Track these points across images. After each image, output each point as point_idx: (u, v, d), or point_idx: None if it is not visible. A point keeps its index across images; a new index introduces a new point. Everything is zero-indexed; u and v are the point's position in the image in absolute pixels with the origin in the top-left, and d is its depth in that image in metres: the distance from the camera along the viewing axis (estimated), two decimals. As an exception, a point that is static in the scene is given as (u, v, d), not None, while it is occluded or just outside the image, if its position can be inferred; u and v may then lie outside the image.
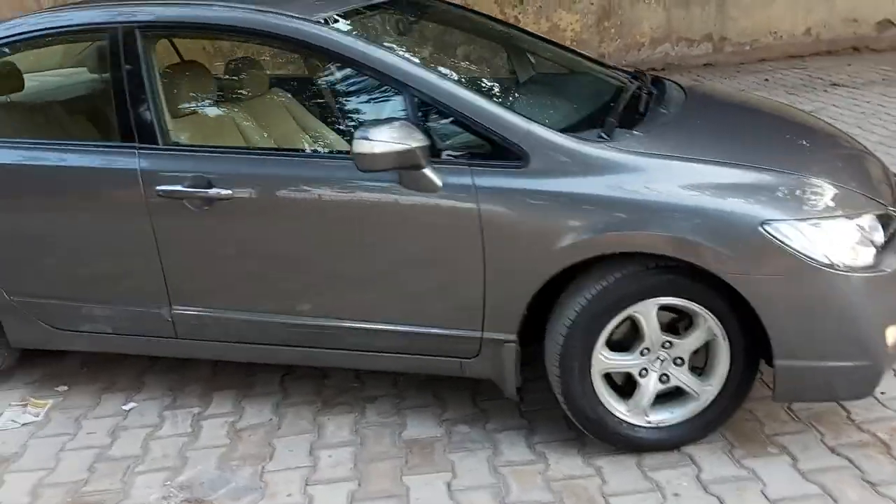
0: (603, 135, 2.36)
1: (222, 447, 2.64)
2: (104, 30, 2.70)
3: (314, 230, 2.49)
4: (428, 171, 2.30)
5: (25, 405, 3.00)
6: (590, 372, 2.33)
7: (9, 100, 3.06)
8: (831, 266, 2.12)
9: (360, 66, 2.45)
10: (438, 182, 2.31)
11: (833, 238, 2.15)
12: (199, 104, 2.89)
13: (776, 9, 9.00)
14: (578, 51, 3.45)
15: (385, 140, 2.21)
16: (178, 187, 2.54)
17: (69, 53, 3.71)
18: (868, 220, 2.22)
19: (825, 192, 2.27)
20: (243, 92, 3.15)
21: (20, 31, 2.84)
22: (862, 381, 2.23)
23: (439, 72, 2.47)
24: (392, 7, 3.02)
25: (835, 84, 7.04)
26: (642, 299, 2.26)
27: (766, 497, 2.20)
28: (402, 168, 2.27)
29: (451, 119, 2.37)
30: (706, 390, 2.36)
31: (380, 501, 2.32)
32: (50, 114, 3.10)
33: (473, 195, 2.29)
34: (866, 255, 2.17)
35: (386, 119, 2.30)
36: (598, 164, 2.26)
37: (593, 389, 2.35)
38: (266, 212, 2.53)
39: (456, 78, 2.45)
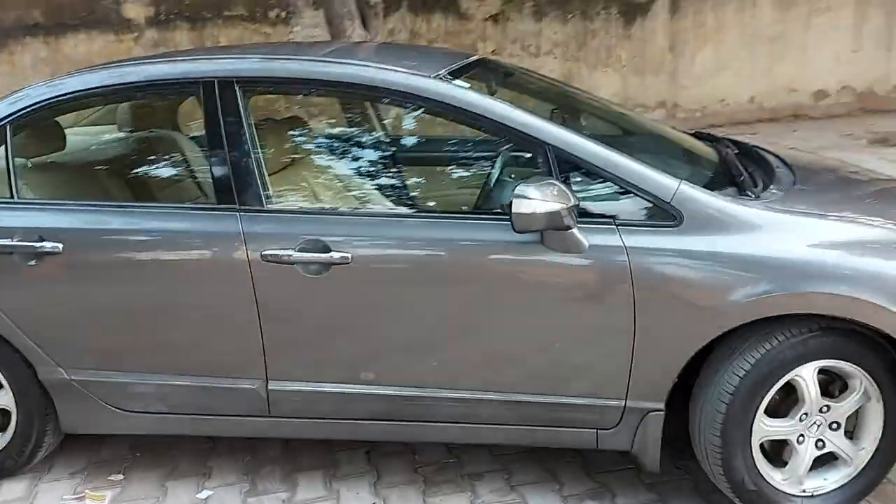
0: (749, 193, 2.31)
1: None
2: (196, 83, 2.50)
3: (448, 296, 2.32)
4: (576, 232, 2.19)
5: (82, 499, 2.65)
6: (751, 441, 2.23)
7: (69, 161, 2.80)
8: None
9: (496, 124, 2.32)
10: (585, 242, 2.20)
11: None
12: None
13: (723, 78, 9.45)
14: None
15: (543, 199, 2.09)
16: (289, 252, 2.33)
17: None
18: None
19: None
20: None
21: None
22: None
23: (579, 131, 2.37)
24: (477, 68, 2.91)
25: (792, 148, 7.38)
26: (805, 362, 2.19)
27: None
28: (556, 228, 2.15)
29: (595, 178, 2.27)
30: (860, 455, 2.30)
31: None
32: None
33: (624, 255, 2.19)
34: None
35: (534, 178, 2.18)
36: (752, 222, 2.20)
37: (753, 459, 2.25)
38: (387, 276, 2.35)
39: (593, 137, 2.36)
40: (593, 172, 2.26)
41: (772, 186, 2.42)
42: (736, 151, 2.84)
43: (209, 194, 2.50)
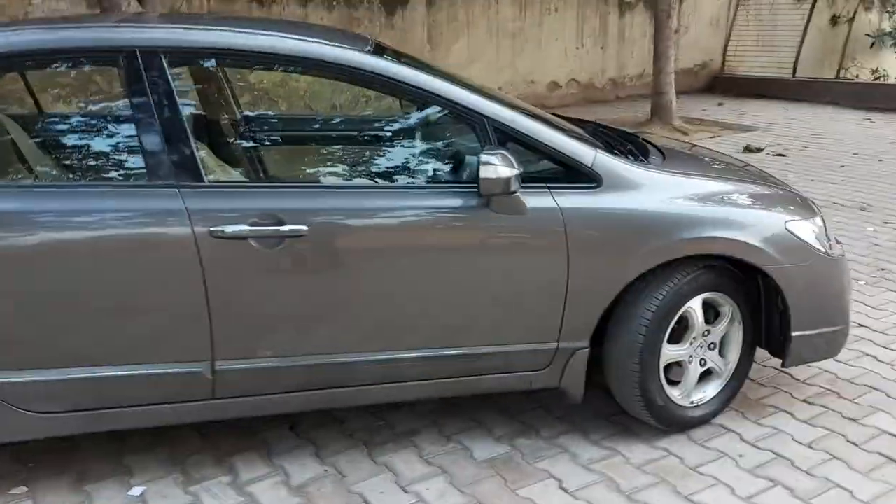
0: (642, 159, 2.74)
1: (301, 506, 2.42)
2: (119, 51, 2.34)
3: (404, 262, 2.46)
4: (520, 195, 2.45)
5: (-10, 518, 2.38)
6: (659, 365, 2.67)
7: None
8: (825, 253, 2.75)
9: (439, 99, 2.49)
10: (527, 204, 2.47)
11: (818, 232, 2.79)
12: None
13: (475, 69, 10.23)
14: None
15: (504, 165, 2.33)
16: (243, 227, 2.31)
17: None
18: (820, 218, 2.91)
19: (798, 199, 2.92)
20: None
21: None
22: (841, 342, 2.89)
23: (512, 103, 2.62)
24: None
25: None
26: (695, 296, 2.67)
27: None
28: (508, 192, 2.39)
29: (527, 148, 2.54)
30: (728, 368, 2.84)
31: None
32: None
33: (558, 214, 2.50)
34: (834, 244, 2.85)
35: (487, 148, 2.40)
36: (654, 182, 2.63)
37: (660, 381, 2.69)
38: (341, 247, 2.43)
39: (525, 111, 2.62)
40: (526, 143, 2.53)
41: (651, 159, 2.87)
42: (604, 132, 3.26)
43: (140, 171, 2.35)
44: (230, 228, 2.31)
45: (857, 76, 13.70)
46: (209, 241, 2.30)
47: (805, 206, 2.90)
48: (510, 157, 2.36)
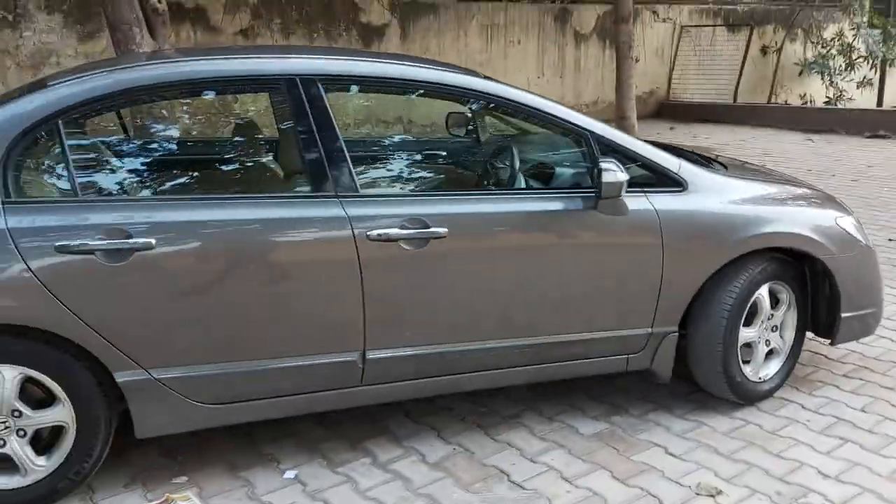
0: (712, 167, 3.16)
1: (448, 478, 2.70)
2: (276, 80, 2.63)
3: (528, 259, 2.80)
4: (624, 198, 2.83)
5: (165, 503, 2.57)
6: (737, 345, 3.07)
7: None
8: (866, 243, 3.22)
9: (548, 117, 2.87)
10: (629, 206, 2.85)
11: (858, 226, 3.26)
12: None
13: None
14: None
15: (621, 171, 2.71)
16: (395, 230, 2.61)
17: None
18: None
19: (835, 199, 3.39)
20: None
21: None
22: (875, 322, 3.35)
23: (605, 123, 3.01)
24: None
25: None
26: (764, 283, 3.08)
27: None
28: (619, 195, 2.77)
29: (623, 158, 2.92)
30: (786, 348, 3.26)
31: (649, 475, 2.70)
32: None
33: (654, 214, 2.89)
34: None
35: (602, 158, 2.76)
36: (729, 185, 3.06)
37: (738, 359, 3.08)
38: (477, 246, 2.75)
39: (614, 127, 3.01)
40: (625, 153, 2.91)
41: (715, 167, 3.30)
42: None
43: (303, 183, 2.63)
44: (384, 232, 2.60)
45: (786, 101, 14.77)
46: (366, 244, 2.59)
47: (843, 204, 3.37)
48: (620, 165, 2.74)
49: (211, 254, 2.51)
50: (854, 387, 3.37)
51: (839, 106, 13.77)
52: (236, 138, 2.91)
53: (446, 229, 2.66)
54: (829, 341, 3.33)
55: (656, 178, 2.96)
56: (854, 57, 14.31)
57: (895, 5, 16.03)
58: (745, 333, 3.11)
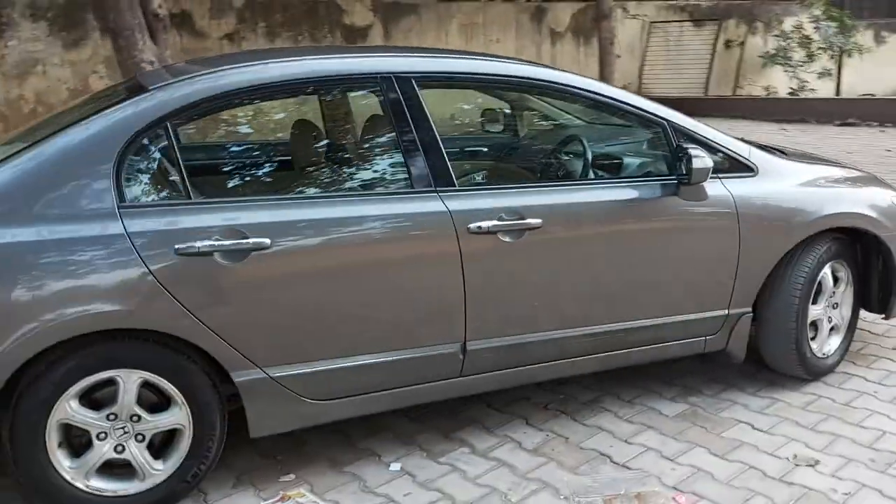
0: (779, 153, 3.29)
1: (551, 462, 2.76)
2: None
3: (617, 247, 2.88)
4: (704, 184, 2.93)
5: (283, 500, 2.58)
6: (807, 322, 3.19)
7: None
8: (917, 222, 3.39)
9: (629, 108, 2.95)
10: (708, 191, 2.95)
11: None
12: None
13: (429, 94, 10.67)
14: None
15: (708, 157, 2.81)
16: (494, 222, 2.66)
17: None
18: None
19: (880, 178, 3.55)
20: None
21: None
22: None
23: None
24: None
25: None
26: (827, 262, 3.21)
27: None
28: (703, 181, 2.86)
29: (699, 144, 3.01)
30: (844, 321, 3.39)
31: (744, 449, 2.80)
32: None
33: (729, 198, 2.99)
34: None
35: (684, 147, 2.86)
36: (793, 170, 3.18)
37: (808, 337, 3.20)
38: (571, 235, 2.82)
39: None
40: (699, 141, 3.01)
41: (779, 153, 3.42)
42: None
43: (403, 179, 2.67)
44: (484, 224, 2.65)
45: (750, 93, 15.20)
46: (467, 236, 2.64)
47: (888, 183, 3.53)
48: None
49: (323, 251, 2.53)
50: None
51: (802, 96, 14.22)
52: (340, 136, 2.93)
53: (540, 220, 2.72)
54: (882, 316, 3.48)
55: (729, 164, 3.06)
56: (813, 48, 14.78)
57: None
58: (813, 311, 3.23)
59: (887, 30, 17.40)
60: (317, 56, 2.76)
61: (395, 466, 2.78)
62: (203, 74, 2.55)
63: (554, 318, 2.86)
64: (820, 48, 14.74)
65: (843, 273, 3.34)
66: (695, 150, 2.80)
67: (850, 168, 3.57)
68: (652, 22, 14.05)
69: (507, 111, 3.39)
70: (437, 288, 2.67)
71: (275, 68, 2.62)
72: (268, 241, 2.43)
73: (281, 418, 2.61)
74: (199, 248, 2.36)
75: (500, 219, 2.68)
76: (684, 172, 2.81)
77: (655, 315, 2.99)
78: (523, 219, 2.70)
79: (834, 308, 3.36)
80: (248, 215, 2.46)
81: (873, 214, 3.22)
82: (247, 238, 2.41)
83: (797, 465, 2.70)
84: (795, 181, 3.16)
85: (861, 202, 3.23)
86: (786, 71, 14.60)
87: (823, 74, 14.83)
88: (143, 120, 2.41)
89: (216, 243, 2.38)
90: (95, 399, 2.41)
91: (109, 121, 2.41)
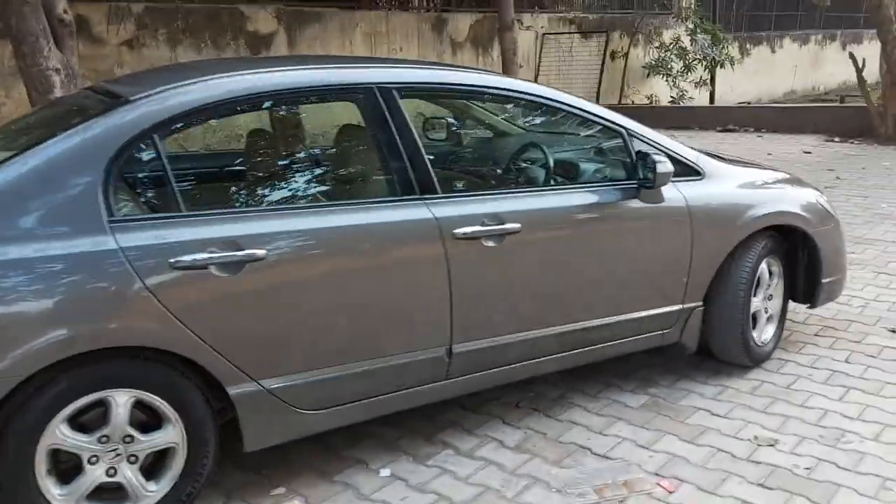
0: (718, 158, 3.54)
1: (536, 458, 2.86)
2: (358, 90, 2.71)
3: (586, 249, 3.03)
4: (662, 188, 3.12)
5: (290, 512, 2.56)
6: (750, 313, 3.44)
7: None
8: (835, 217, 3.71)
9: (588, 115, 3.12)
10: (664, 194, 3.15)
11: (827, 202, 3.75)
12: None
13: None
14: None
15: (669, 163, 3.00)
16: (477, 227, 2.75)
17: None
18: None
19: (802, 179, 3.87)
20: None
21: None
22: (841, 288, 3.85)
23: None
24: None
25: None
26: (765, 258, 3.49)
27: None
28: (664, 185, 3.05)
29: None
30: (777, 313, 3.68)
31: (710, 434, 2.99)
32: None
33: (683, 200, 3.20)
34: (833, 211, 3.83)
35: (646, 153, 3.04)
36: (735, 173, 3.44)
37: (752, 325, 3.46)
38: (547, 237, 2.94)
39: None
40: (653, 147, 3.20)
41: (719, 159, 3.66)
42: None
43: (390, 188, 2.70)
44: (467, 230, 2.73)
45: (632, 101, 15.96)
46: (452, 242, 2.71)
47: (811, 184, 3.86)
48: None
49: (316, 260, 2.53)
50: (829, 343, 3.86)
51: (683, 104, 15.07)
52: (326, 146, 2.92)
53: (519, 224, 2.83)
54: (807, 306, 3.80)
55: (680, 168, 3.26)
56: (689, 59, 15.70)
57: (719, 12, 17.69)
58: (754, 303, 3.49)
59: (750, 42, 18.73)
60: (302, 66, 2.76)
61: (385, 472, 2.80)
62: (189, 84, 2.50)
63: (531, 318, 2.97)
64: (695, 59, 15.66)
65: (776, 267, 3.62)
66: (658, 156, 2.98)
67: (777, 170, 3.88)
68: (545, 34, 14.52)
69: (453, 119, 3.47)
70: (426, 293, 2.72)
71: (263, 78, 2.60)
72: (262, 251, 2.41)
73: (275, 431, 2.59)
74: (195, 261, 2.32)
75: (482, 224, 2.76)
76: (648, 177, 2.99)
77: (620, 312, 3.16)
78: (503, 224, 2.80)
79: (769, 300, 3.63)
80: (242, 226, 2.43)
81: (803, 213, 3.52)
82: (241, 249, 2.39)
83: (759, 445, 2.92)
84: (736, 183, 3.41)
85: (793, 202, 3.52)
86: (666, 81, 15.42)
87: (699, 84, 15.77)
88: (130, 131, 2.35)
89: (212, 256, 2.34)
90: (82, 422, 2.32)
91: (94, 132, 2.33)
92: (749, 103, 15.40)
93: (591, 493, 2.63)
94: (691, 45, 15.81)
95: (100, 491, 2.36)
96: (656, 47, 16.35)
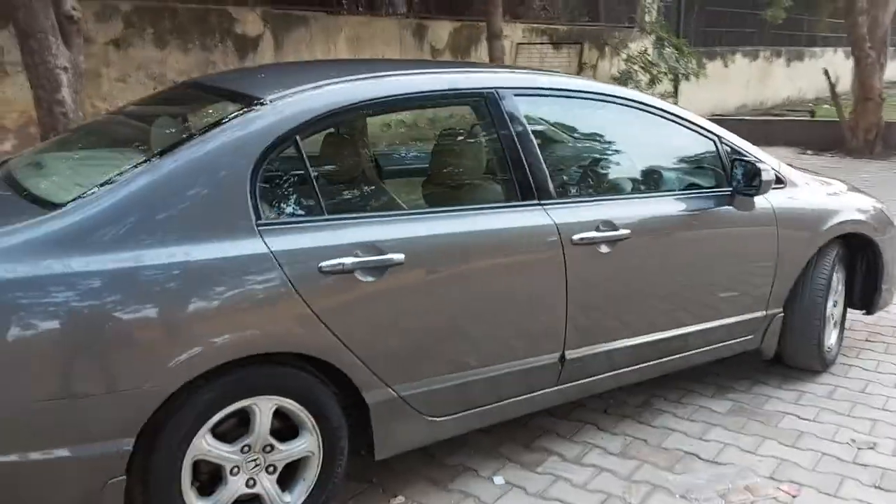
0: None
1: (647, 464, 2.85)
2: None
3: (687, 255, 3.04)
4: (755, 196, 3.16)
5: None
6: (826, 318, 3.51)
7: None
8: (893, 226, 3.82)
9: (692, 127, 3.14)
10: (755, 202, 3.20)
11: (888, 210, 3.85)
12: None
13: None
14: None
15: (771, 171, 3.04)
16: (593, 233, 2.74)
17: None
18: None
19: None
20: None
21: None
22: (892, 295, 3.94)
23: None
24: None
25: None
26: (837, 265, 3.56)
27: None
28: (766, 192, 3.09)
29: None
30: (840, 319, 3.77)
31: (807, 438, 3.02)
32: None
33: (771, 208, 3.25)
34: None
35: (746, 160, 3.07)
36: (808, 183, 3.51)
37: (825, 332, 3.53)
38: (656, 244, 2.95)
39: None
40: (741, 155, 3.24)
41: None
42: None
43: (511, 192, 2.67)
44: (585, 235, 2.72)
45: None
46: (570, 247, 2.69)
47: (869, 193, 3.97)
48: None
49: (451, 265, 2.48)
50: (883, 348, 3.97)
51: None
52: (450, 150, 2.85)
53: (629, 230, 2.83)
54: (863, 312, 3.90)
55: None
56: (655, 72, 16.04)
57: (682, 26, 18.14)
58: (830, 306, 3.56)
59: (707, 57, 19.25)
60: (428, 70, 2.71)
61: (499, 480, 2.75)
62: (327, 85, 2.42)
63: (636, 324, 2.96)
64: (661, 72, 16.00)
65: (841, 274, 3.70)
66: (761, 164, 3.02)
67: (835, 179, 3.97)
68: (519, 43, 14.62)
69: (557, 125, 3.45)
70: (547, 298, 2.69)
71: (399, 81, 2.55)
72: (402, 256, 2.35)
73: (404, 438, 2.52)
74: (343, 265, 2.24)
75: (597, 229, 2.75)
76: (753, 184, 3.02)
77: (714, 318, 3.18)
78: (616, 229, 2.79)
79: (835, 306, 3.71)
80: (383, 230, 2.36)
81: (870, 221, 3.61)
82: (384, 254, 2.32)
83: (859, 448, 2.97)
84: (814, 191, 3.48)
85: (863, 210, 3.61)
86: (634, 93, 15.70)
87: (665, 96, 16.12)
88: (273, 133, 2.26)
89: (358, 260, 2.27)
90: (223, 432, 2.21)
91: (239, 134, 2.23)
92: (721, 116, 15.77)
93: (717, 499, 2.63)
94: (658, 58, 16.17)
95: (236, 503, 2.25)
96: (624, 59, 16.66)
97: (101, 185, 2.10)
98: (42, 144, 3.28)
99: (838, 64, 20.77)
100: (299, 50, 10.51)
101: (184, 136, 2.27)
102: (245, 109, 2.31)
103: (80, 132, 3.01)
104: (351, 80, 2.51)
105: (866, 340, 4.09)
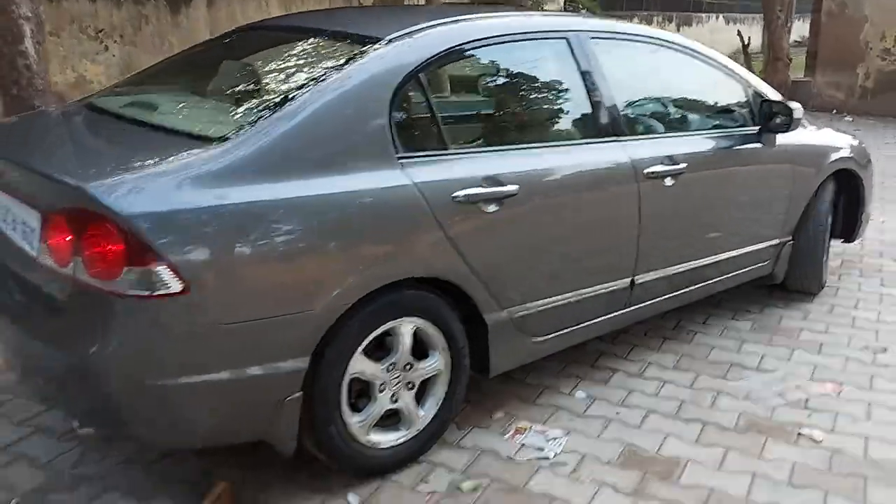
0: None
1: (700, 376, 3.17)
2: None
3: (730, 187, 3.36)
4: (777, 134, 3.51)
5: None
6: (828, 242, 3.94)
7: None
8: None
9: (727, 71, 3.44)
10: (776, 140, 3.54)
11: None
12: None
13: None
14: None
15: (801, 109, 3.38)
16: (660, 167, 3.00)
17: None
18: None
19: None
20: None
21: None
22: (867, 222, 4.42)
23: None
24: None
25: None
26: (833, 194, 3.98)
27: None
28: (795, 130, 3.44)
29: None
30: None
31: (830, 346, 3.40)
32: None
33: (787, 145, 3.61)
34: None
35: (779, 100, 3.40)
36: (811, 123, 3.89)
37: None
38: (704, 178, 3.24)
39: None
40: (761, 96, 3.57)
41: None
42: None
43: (594, 129, 2.88)
44: (655, 169, 2.97)
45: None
46: (644, 180, 2.94)
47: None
48: None
49: (557, 195, 2.68)
50: (858, 272, 4.45)
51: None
52: (542, 89, 2.98)
53: (686, 164, 3.10)
54: (842, 240, 4.35)
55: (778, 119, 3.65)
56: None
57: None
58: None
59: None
60: (522, 14, 2.87)
61: (580, 394, 3.00)
62: (442, 24, 2.55)
63: (689, 251, 3.25)
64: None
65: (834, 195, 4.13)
66: (792, 103, 3.35)
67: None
68: (445, 3, 14.69)
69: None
70: (624, 227, 2.93)
71: (499, 22, 2.74)
72: (515, 188, 2.52)
73: (513, 356, 2.72)
74: (472, 195, 2.40)
75: (663, 164, 3.00)
76: (785, 121, 3.35)
77: (745, 245, 3.52)
78: (677, 164, 3.05)
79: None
80: (502, 163, 2.53)
81: (857, 157, 4.04)
82: (503, 185, 2.49)
83: (875, 352, 3.39)
84: (816, 129, 3.87)
85: (850, 146, 4.03)
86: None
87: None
88: (403, 70, 2.37)
89: (484, 191, 2.43)
90: (369, 354, 2.35)
91: (374, 72, 2.33)
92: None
93: (776, 397, 2.97)
94: (570, 19, 16.63)
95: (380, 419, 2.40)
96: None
97: (254, 121, 2.16)
98: (125, 81, 3.23)
99: (720, 29, 22.03)
100: (231, 5, 10.25)
101: (316, 73, 2.34)
102: (372, 47, 2.40)
103: (168, 70, 2.99)
104: (460, 19, 2.64)
105: (841, 266, 4.56)
